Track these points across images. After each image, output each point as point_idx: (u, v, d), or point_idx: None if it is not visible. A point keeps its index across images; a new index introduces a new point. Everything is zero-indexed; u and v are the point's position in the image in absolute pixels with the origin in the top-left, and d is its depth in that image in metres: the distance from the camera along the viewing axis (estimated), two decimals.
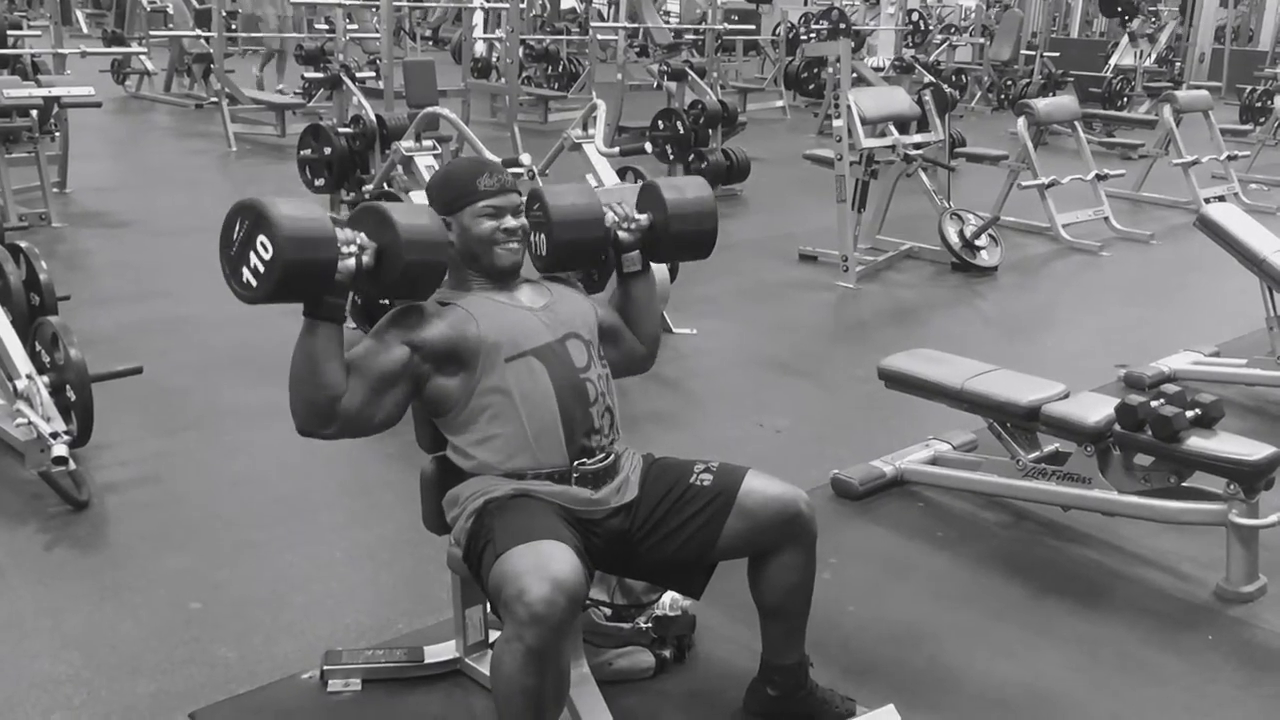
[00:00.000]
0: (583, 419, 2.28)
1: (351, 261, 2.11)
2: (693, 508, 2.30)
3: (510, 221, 2.35)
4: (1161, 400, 3.13)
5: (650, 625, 2.66)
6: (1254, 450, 3.01)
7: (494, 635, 2.60)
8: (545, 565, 2.00)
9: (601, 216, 2.47)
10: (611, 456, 2.34)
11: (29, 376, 3.47)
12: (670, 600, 2.68)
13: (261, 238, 2.04)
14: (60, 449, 3.28)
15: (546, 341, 2.30)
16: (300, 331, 2.14)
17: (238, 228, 2.09)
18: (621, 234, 2.49)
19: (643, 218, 2.52)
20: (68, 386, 3.51)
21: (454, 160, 3.82)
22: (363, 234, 2.17)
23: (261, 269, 2.05)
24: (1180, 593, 3.11)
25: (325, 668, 2.55)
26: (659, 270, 4.99)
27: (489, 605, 2.22)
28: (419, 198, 4.83)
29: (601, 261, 2.62)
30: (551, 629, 1.96)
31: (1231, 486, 3.02)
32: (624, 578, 2.57)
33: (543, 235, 2.44)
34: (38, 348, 3.65)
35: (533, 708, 2.03)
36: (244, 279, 2.09)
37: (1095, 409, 3.27)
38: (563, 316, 2.36)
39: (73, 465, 3.32)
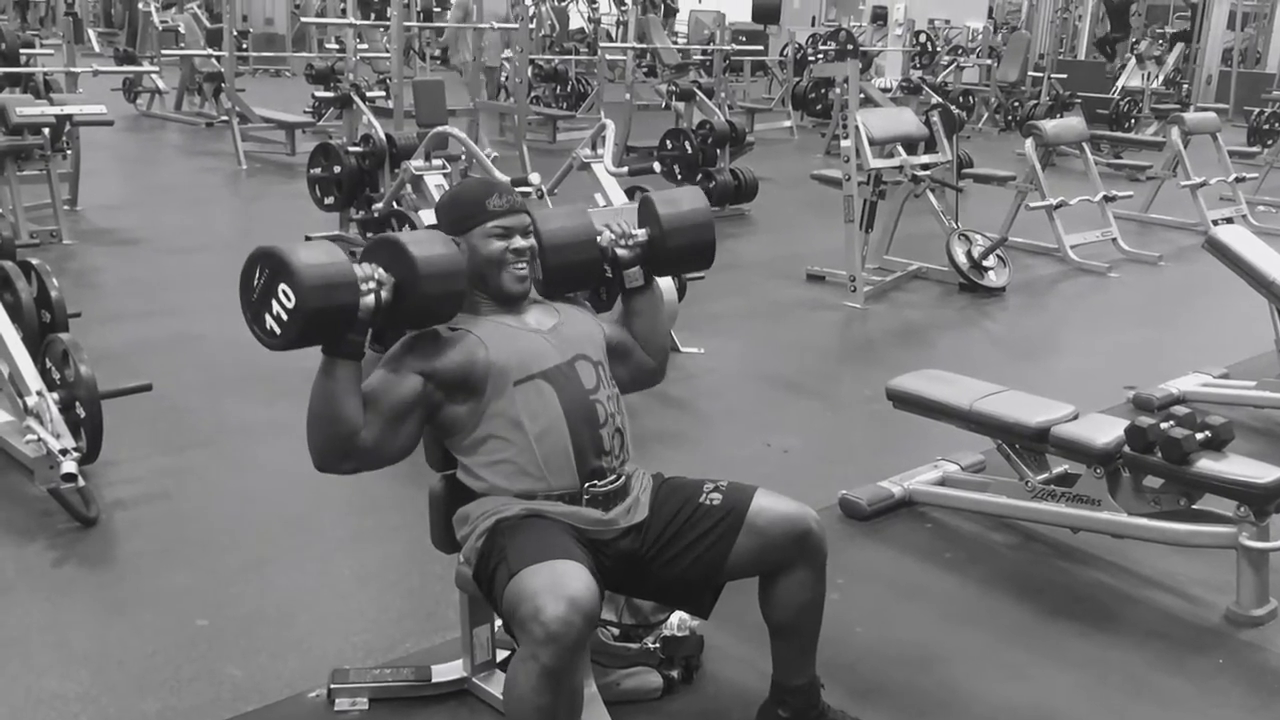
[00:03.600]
0: (592, 440, 2.28)
1: (370, 299, 2.11)
2: (702, 527, 2.30)
3: (519, 242, 2.36)
4: (1171, 422, 3.12)
5: (658, 645, 2.66)
6: (1264, 473, 3.00)
7: (501, 654, 2.59)
8: (561, 584, 2.00)
9: (593, 237, 2.47)
10: (622, 478, 2.34)
11: (39, 393, 3.48)
12: (678, 620, 2.67)
13: (283, 286, 2.04)
14: (70, 466, 3.29)
15: (555, 364, 2.30)
16: (318, 369, 2.14)
17: (257, 275, 2.08)
18: (619, 251, 2.49)
19: (640, 233, 2.51)
20: (77, 403, 3.52)
21: (463, 181, 3.82)
22: (379, 269, 2.16)
23: (285, 317, 2.05)
24: (1190, 616, 3.09)
25: (332, 686, 2.55)
26: (666, 288, 5.00)
27: (501, 624, 2.22)
28: (428, 217, 4.86)
29: (604, 281, 2.62)
30: (567, 648, 1.96)
31: (1242, 509, 3.00)
32: (632, 597, 2.57)
33: (539, 261, 2.45)
34: (48, 365, 3.66)
35: None
36: (267, 326, 2.08)
37: (1104, 431, 3.26)
38: (571, 338, 2.37)
39: (82, 482, 3.33)
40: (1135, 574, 3.29)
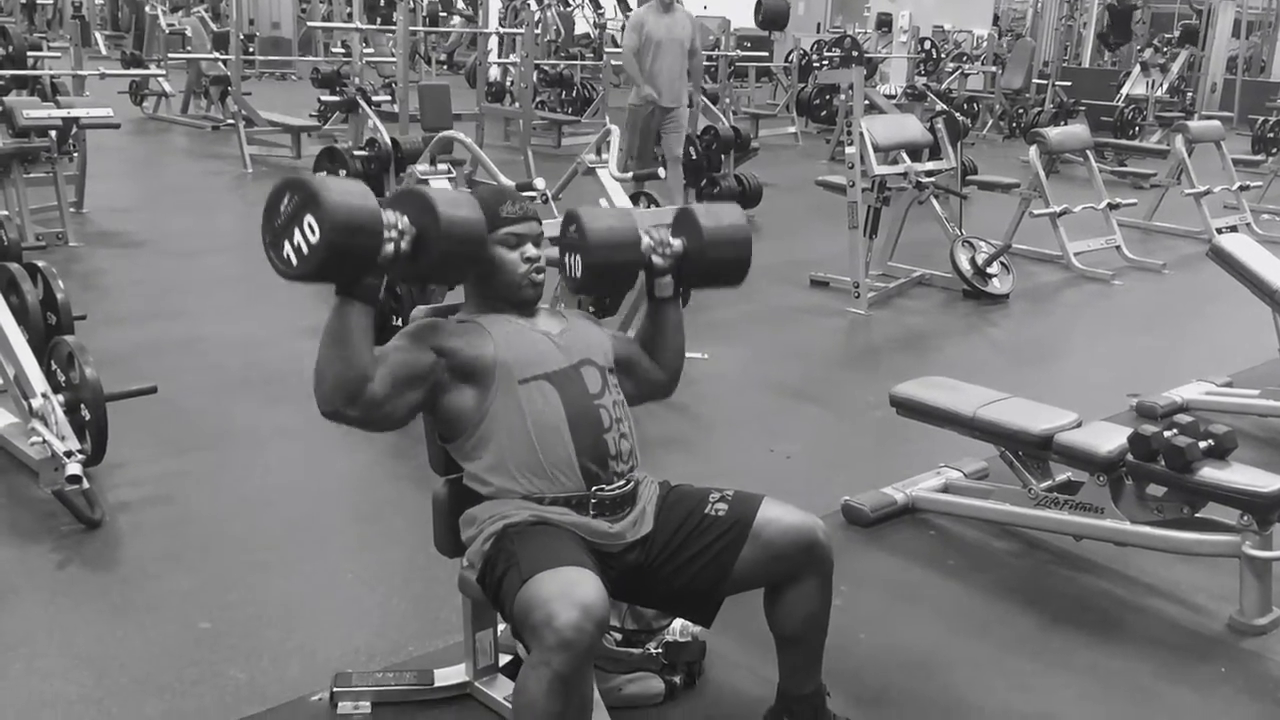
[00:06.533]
0: (595, 445, 2.28)
1: (391, 247, 2.10)
2: (708, 538, 2.30)
3: (531, 250, 2.36)
4: (1175, 430, 3.12)
5: (660, 651, 2.66)
6: (1268, 482, 3.00)
7: (504, 659, 2.60)
8: (572, 591, 2.00)
9: (637, 241, 2.45)
10: (630, 483, 2.34)
11: (44, 395, 3.48)
12: (681, 626, 2.67)
13: (309, 218, 2.02)
14: (74, 468, 3.30)
15: (561, 367, 2.31)
16: (332, 309, 2.12)
17: (286, 201, 2.06)
18: (655, 259, 2.48)
19: (677, 243, 2.51)
20: (83, 406, 3.53)
21: (478, 187, 3.83)
22: (404, 217, 2.14)
23: (305, 249, 2.03)
24: (1193, 624, 3.09)
25: (335, 690, 2.55)
26: None
27: (509, 629, 2.22)
28: None
29: (631, 285, 2.61)
30: (580, 655, 1.97)
31: (1245, 518, 3.00)
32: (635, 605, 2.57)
33: (577, 256, 2.43)
34: (54, 367, 3.66)
35: None
36: (285, 254, 2.06)
37: (1108, 438, 3.27)
38: (578, 344, 2.37)
39: (86, 484, 3.33)
40: (1138, 582, 3.29)
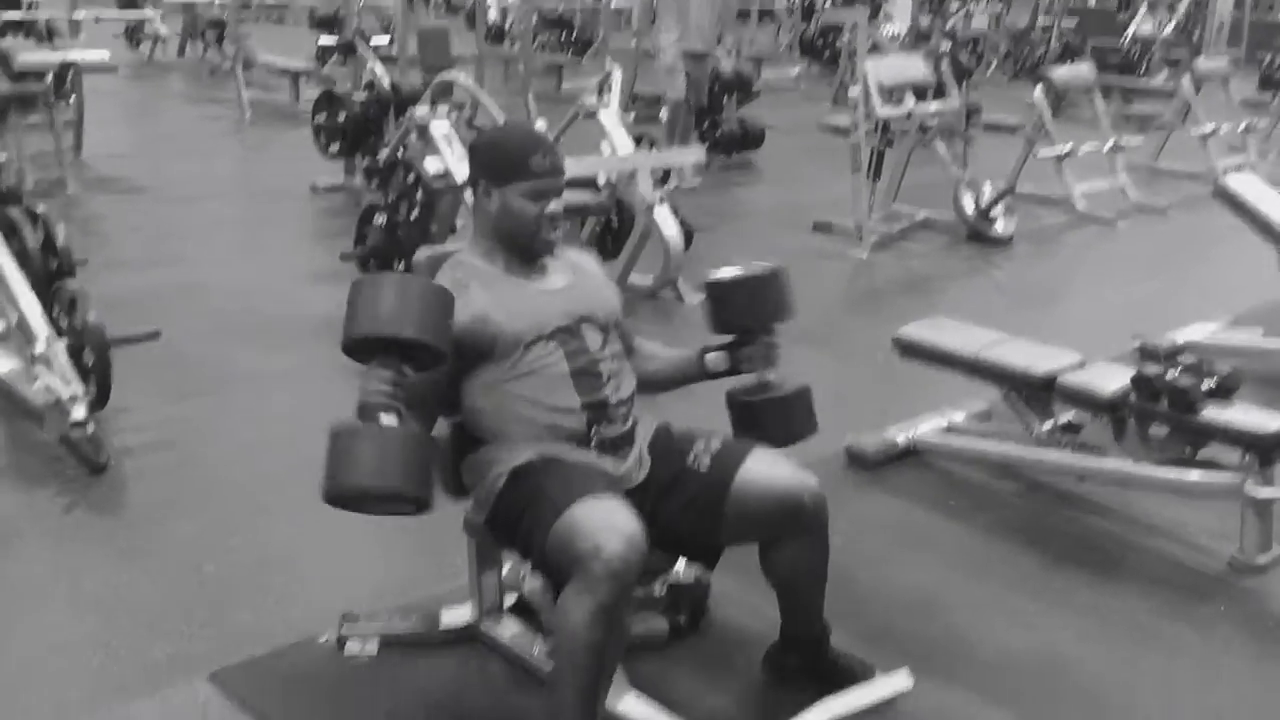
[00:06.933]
0: (596, 395, 2.26)
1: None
2: (690, 492, 2.27)
3: (553, 205, 2.29)
4: (1178, 370, 3.12)
5: (665, 592, 2.67)
6: (1271, 421, 3.00)
7: (509, 599, 2.62)
8: (615, 522, 2.01)
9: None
10: (631, 423, 2.32)
11: (48, 340, 3.48)
12: (684, 568, 2.68)
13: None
14: (79, 412, 3.30)
15: (563, 324, 2.27)
16: None
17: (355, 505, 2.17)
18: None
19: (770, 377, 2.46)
20: (86, 350, 3.53)
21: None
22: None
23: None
24: (1194, 564, 3.11)
25: (342, 631, 2.56)
26: (674, 236, 4.98)
27: (530, 565, 2.23)
28: (433, 164, 4.83)
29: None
30: (627, 585, 1.99)
31: (1247, 457, 3.01)
32: None
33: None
34: (56, 311, 3.66)
35: (597, 662, 2.05)
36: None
37: (1111, 379, 3.26)
38: (582, 300, 2.33)
39: (91, 428, 3.34)
40: (1140, 522, 3.30)
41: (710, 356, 2.46)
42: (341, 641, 2.55)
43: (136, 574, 2.88)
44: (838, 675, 2.41)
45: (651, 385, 2.49)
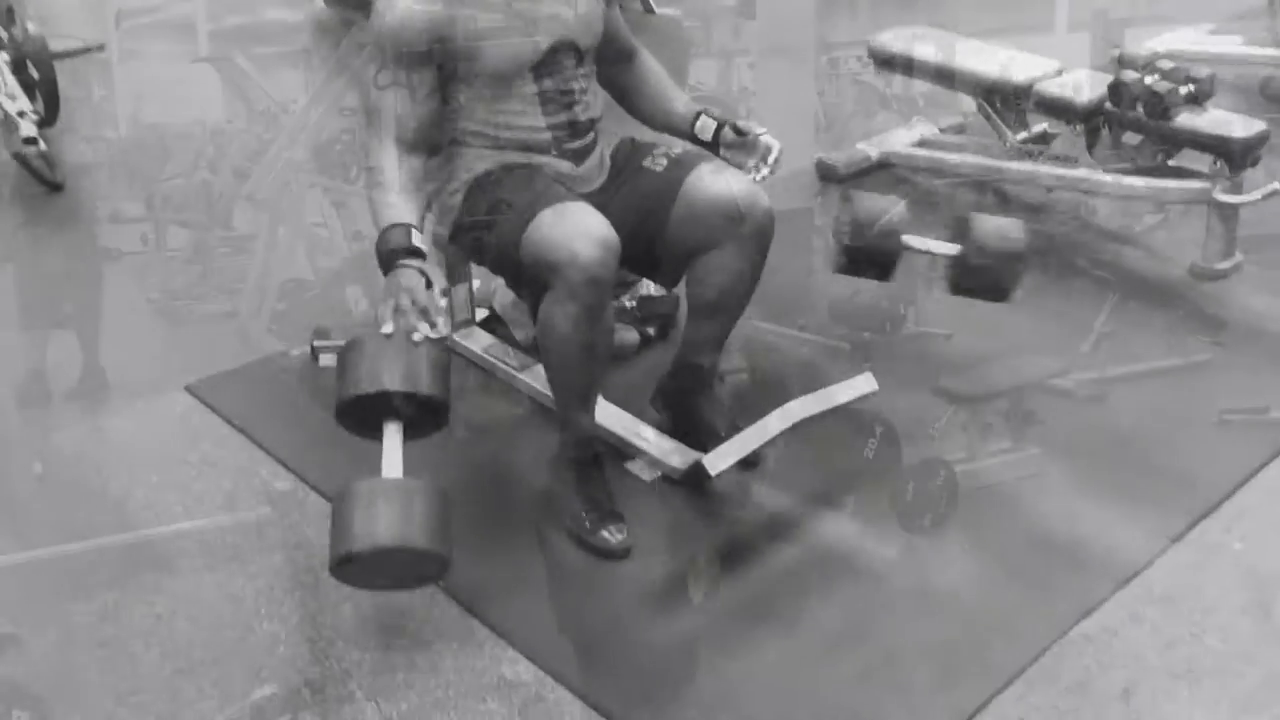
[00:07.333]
0: (565, 120, 2.18)
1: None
2: (643, 189, 2.23)
3: None
4: (1156, 76, 3.06)
5: (635, 304, 2.70)
6: (1243, 126, 2.98)
7: (481, 313, 2.63)
8: (586, 227, 1.99)
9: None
10: (593, 135, 2.26)
11: None
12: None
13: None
14: (28, 128, 3.19)
15: (537, 51, 2.12)
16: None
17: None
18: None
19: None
20: (29, 63, 3.38)
21: None
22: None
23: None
24: (1155, 272, 3.14)
25: (315, 344, 2.58)
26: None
27: (502, 280, 2.21)
28: None
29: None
30: (605, 287, 2.00)
31: (1218, 163, 3.00)
32: None
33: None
34: None
35: (588, 361, 2.08)
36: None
37: (1088, 86, 3.21)
38: (560, 17, 2.16)
39: (44, 146, 3.24)
40: (1104, 230, 3.32)
41: (701, 123, 2.35)
42: (316, 354, 2.58)
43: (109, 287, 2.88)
44: (707, 417, 2.36)
45: (637, 116, 2.42)
